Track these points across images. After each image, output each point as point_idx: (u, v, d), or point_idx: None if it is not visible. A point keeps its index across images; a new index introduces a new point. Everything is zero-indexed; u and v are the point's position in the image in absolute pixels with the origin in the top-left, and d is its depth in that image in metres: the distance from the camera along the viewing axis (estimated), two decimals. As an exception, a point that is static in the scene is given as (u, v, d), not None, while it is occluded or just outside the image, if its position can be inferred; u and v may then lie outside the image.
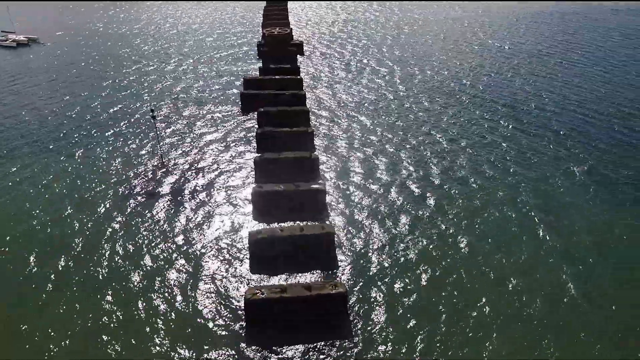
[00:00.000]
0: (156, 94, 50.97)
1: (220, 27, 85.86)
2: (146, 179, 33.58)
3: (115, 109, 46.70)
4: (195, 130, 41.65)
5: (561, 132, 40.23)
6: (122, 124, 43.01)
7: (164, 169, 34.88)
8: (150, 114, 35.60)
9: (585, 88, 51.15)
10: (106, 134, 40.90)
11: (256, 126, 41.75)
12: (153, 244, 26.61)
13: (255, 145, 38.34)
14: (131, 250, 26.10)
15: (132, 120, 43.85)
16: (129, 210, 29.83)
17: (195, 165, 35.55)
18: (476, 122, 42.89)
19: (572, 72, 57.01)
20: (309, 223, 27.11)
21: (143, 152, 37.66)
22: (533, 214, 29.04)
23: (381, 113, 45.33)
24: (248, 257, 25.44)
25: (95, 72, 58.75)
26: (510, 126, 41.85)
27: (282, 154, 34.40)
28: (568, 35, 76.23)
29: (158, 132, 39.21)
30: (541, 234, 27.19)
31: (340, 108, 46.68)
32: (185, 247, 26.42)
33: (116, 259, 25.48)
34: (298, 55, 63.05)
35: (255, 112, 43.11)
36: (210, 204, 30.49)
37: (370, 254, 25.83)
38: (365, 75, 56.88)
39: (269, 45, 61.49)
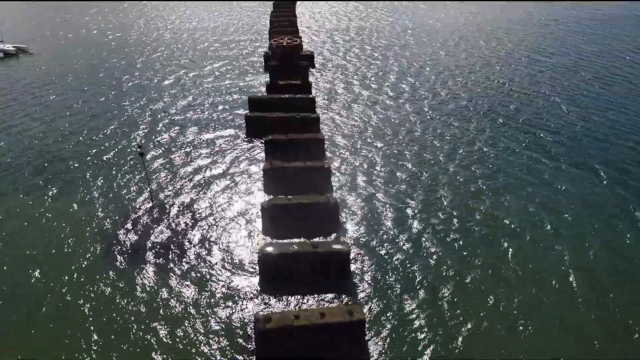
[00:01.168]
0: (148, 116, 45.15)
1: (222, 34, 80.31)
2: (129, 229, 27.93)
3: (97, 134, 41.04)
4: (191, 163, 35.88)
5: (612, 172, 33.72)
6: (106, 156, 37.04)
7: (152, 214, 29.30)
8: (138, 150, 29.66)
9: (633, 111, 45.02)
10: (86, 167, 35.20)
11: (263, 157, 36.30)
12: (126, 324, 21.06)
13: (262, 182, 32.87)
14: (101, 331, 20.56)
15: (118, 150, 37.93)
16: (104, 273, 24.24)
17: (190, 210, 29.79)
18: (513, 159, 36.55)
19: (612, 91, 50.88)
20: (331, 305, 21.49)
21: (128, 191, 32.00)
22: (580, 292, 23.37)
23: (404, 140, 39.49)
24: (254, 351, 19.86)
25: (81, 89, 53.11)
26: (551, 165, 34.86)
27: (294, 198, 28.75)
28: (600, 45, 70.15)
29: (147, 170, 33.35)
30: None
31: (357, 134, 40.84)
32: (163, 335, 20.85)
33: (88, 341, 19.94)
34: (309, 69, 57.37)
35: (262, 140, 37.69)
36: (204, 270, 24.69)
37: (407, 338, 20.24)
38: (383, 92, 51.11)
39: (277, 57, 55.87)
